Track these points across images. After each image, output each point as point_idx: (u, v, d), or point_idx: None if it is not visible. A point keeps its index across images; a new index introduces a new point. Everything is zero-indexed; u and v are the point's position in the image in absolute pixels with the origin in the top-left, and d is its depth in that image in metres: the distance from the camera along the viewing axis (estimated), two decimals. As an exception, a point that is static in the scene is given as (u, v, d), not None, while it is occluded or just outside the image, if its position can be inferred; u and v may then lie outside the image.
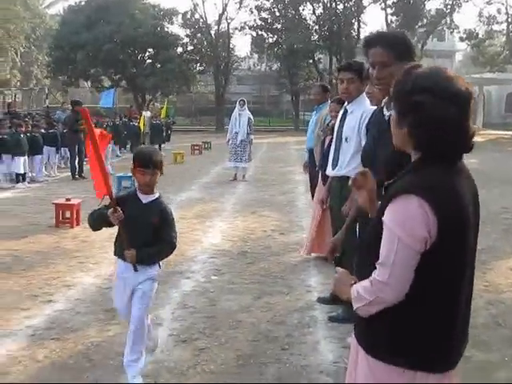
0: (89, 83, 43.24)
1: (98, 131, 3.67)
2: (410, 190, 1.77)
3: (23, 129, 13.03)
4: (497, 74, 40.58)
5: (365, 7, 42.15)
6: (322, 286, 5.70)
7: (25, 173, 12.81)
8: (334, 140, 4.83)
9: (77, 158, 13.96)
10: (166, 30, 40.45)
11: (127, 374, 3.60)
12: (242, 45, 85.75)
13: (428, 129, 1.78)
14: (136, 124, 20.83)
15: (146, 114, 21.46)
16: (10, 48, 44.25)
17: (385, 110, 3.21)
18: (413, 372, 1.83)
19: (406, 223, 1.76)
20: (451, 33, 45.76)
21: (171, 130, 25.38)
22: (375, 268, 1.83)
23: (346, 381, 2.14)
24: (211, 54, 41.76)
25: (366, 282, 1.86)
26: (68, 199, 8.68)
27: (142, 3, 40.39)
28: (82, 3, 39.81)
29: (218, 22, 42.74)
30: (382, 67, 3.01)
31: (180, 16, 42.36)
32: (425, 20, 41.90)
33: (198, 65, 43.24)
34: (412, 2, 40.34)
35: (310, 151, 7.52)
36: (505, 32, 41.64)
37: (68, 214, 8.48)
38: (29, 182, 13.01)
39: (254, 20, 42.80)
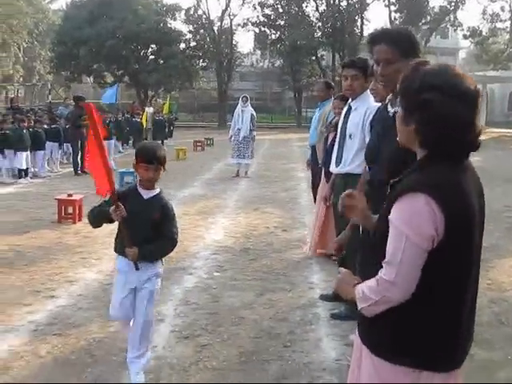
0: (91, 79, 43.24)
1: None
2: (417, 188, 1.76)
3: (26, 124, 13.04)
4: (500, 71, 40.45)
5: (368, 4, 42.02)
6: (325, 283, 5.69)
7: (27, 168, 12.82)
8: (337, 137, 4.81)
9: (79, 154, 13.94)
10: (168, 25, 40.42)
11: (130, 370, 3.60)
12: (244, 41, 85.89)
13: (436, 127, 1.76)
14: (138, 120, 20.80)
15: (149, 109, 21.40)
16: (13, 43, 44.23)
17: (389, 106, 3.20)
18: (418, 371, 1.82)
19: (413, 221, 1.74)
20: (455, 30, 45.56)
21: (174, 126, 25.35)
22: (381, 267, 1.82)
23: (349, 379, 2.13)
24: (214, 51, 41.68)
25: (371, 282, 1.84)
26: (70, 195, 8.68)
27: (145, -1, 40.36)
28: (85, -1, 39.80)
29: (221, 18, 42.67)
30: (387, 64, 3.00)
31: (183, 12, 42.29)
32: (428, 17, 41.74)
33: (201, 61, 43.16)
34: (416, -2, 40.25)
35: (313, 148, 7.51)
36: (508, 30, 41.52)
37: (70, 210, 8.48)
38: (31, 178, 13.02)
39: (257, 16, 42.73)
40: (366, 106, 4.50)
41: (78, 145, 13.90)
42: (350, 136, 4.57)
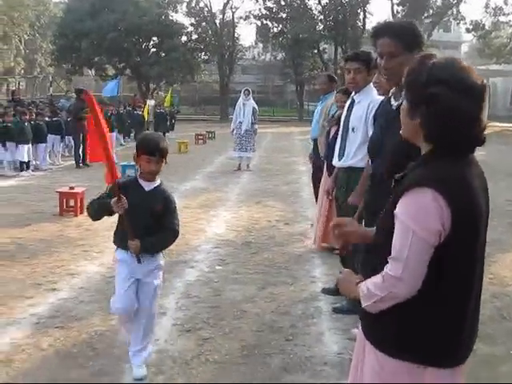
0: (93, 71, 43.10)
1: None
2: (423, 182, 1.74)
3: (27, 117, 13.02)
4: (503, 65, 40.37)
5: (371, -3, 41.90)
6: (327, 276, 5.68)
7: (29, 161, 12.82)
8: (340, 130, 4.79)
9: (81, 147, 13.94)
10: (170, 18, 40.23)
11: (132, 363, 3.60)
12: (246, 34, 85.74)
13: (442, 121, 1.75)
14: (140, 113, 20.76)
15: (150, 102, 21.38)
16: (14, 36, 44.20)
17: (392, 100, 3.19)
18: (423, 367, 1.81)
19: (419, 216, 1.73)
20: (457, 24, 45.44)
21: (175, 119, 25.32)
22: (385, 263, 1.80)
23: (351, 373, 2.12)
24: (216, 43, 41.57)
25: (376, 278, 1.83)
26: (72, 187, 8.68)
27: (146, -9, 40.20)
28: (87, -9, 39.64)
29: (223, 11, 42.54)
30: (390, 57, 3.00)
31: (184, 4, 42.17)
32: (431, 10, 41.60)
33: (203, 54, 43.03)
34: (418, -8, 40.09)
35: (315, 141, 7.48)
36: (511, 23, 41.36)
37: (72, 203, 8.48)
38: (33, 170, 13.02)
39: (259, 9, 42.56)
40: (369, 100, 4.48)
41: (80, 137, 13.89)
42: (353, 129, 4.55)
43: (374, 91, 4.54)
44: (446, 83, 1.74)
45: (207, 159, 16.15)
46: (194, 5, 42.51)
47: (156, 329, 3.96)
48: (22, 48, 47.00)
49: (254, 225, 7.99)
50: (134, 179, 3.50)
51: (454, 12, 41.84)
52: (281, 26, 42.55)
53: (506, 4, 40.62)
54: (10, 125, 12.55)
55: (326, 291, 5.20)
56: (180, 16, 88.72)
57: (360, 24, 41.59)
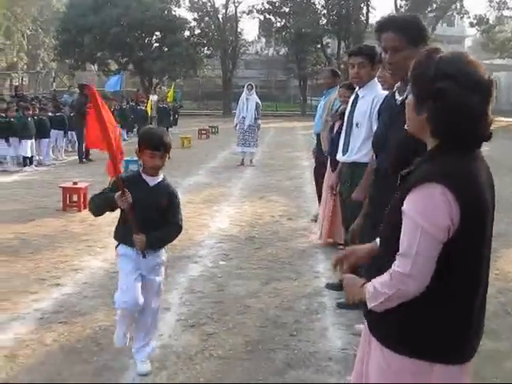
0: (96, 66, 43.06)
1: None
2: (431, 178, 1.73)
3: (30, 112, 13.02)
4: (507, 60, 40.16)
5: (374, -9, 41.76)
6: (330, 272, 5.65)
7: (32, 156, 12.83)
8: (344, 125, 4.77)
9: (84, 142, 13.93)
10: (173, 13, 40.17)
11: (136, 358, 3.60)
12: (249, 29, 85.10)
13: (449, 116, 1.73)
14: (143, 108, 20.77)
15: (153, 97, 21.34)
16: (17, 31, 44.12)
17: (397, 94, 3.17)
18: (430, 364, 1.79)
19: (428, 212, 1.71)
20: (461, 18, 45.25)
21: (178, 114, 25.29)
22: (391, 259, 1.79)
23: (356, 369, 2.11)
24: (218, 38, 41.50)
25: (382, 277, 1.81)
26: (75, 183, 8.69)
27: (149, -14, 40.10)
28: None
29: (226, 6, 42.47)
30: (394, 52, 2.98)
31: (187, -1, 42.11)
32: (434, 5, 41.42)
33: (206, 49, 42.96)
34: (422, -14, 39.90)
35: (318, 136, 7.46)
36: (515, 18, 41.21)
37: (75, 198, 8.48)
38: (36, 166, 13.02)
39: (262, 3, 42.44)
40: (373, 94, 4.45)
41: (83, 133, 13.86)
42: (357, 124, 4.53)
43: (379, 86, 4.52)
44: (453, 78, 1.72)
45: (210, 154, 16.14)
46: (196, -1, 42.47)
47: (160, 324, 3.96)
48: (24, 43, 46.91)
49: (258, 220, 7.98)
50: (137, 174, 3.47)
51: (458, 6, 41.65)
52: (284, 20, 42.44)
53: (510, -2, 40.50)
54: (13, 120, 12.55)
55: (329, 286, 5.19)
56: (183, 11, 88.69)
57: (363, 18, 41.48)
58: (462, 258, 1.76)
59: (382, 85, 4.44)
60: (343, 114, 5.07)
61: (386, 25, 3.05)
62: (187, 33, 41.39)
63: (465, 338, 1.83)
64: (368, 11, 41.63)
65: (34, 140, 12.85)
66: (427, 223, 1.71)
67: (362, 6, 41.42)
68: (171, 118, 22.48)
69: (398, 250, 1.78)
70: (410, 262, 1.73)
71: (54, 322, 4.34)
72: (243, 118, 13.31)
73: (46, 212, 8.22)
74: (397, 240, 1.78)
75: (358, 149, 4.51)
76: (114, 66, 40.63)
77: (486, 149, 1.84)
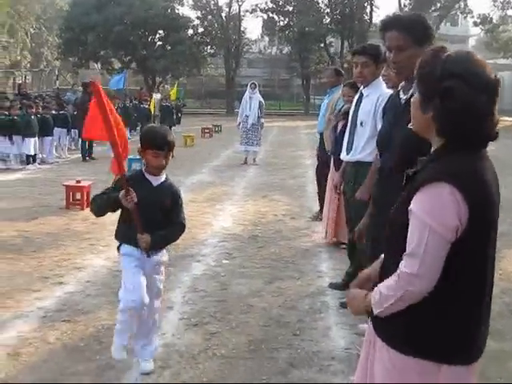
0: (99, 65, 43.08)
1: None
2: (439, 177, 1.71)
3: (33, 110, 13.03)
4: (510, 59, 40.04)
5: (378, -10, 41.70)
6: (334, 271, 5.66)
7: (35, 154, 12.84)
8: (348, 124, 4.76)
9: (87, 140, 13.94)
10: (176, 11, 40.16)
11: (139, 357, 3.59)
12: (253, 27, 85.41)
13: (455, 115, 1.72)
14: (146, 106, 20.77)
15: (157, 96, 21.35)
16: (21, 29, 44.17)
17: (401, 93, 3.16)
18: (437, 365, 1.78)
19: (436, 212, 1.70)
20: (465, 17, 45.15)
21: (182, 112, 25.29)
22: (396, 259, 1.77)
23: (359, 369, 2.10)
24: (222, 37, 41.48)
25: (388, 281, 1.79)
26: (78, 181, 8.69)
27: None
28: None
29: (229, 4, 42.47)
30: (399, 51, 2.97)
31: (191, -2, 42.07)
32: (438, 4, 41.32)
33: (209, 47, 42.93)
34: (425, -15, 39.81)
35: (321, 135, 7.44)
36: (520, 17, 41.11)
37: (78, 196, 8.49)
38: (39, 164, 13.04)
39: (266, 2, 42.42)
40: (378, 93, 4.43)
41: (86, 131, 13.85)
42: (362, 123, 4.51)
43: (383, 85, 4.49)
44: (460, 77, 1.71)
45: (213, 153, 16.13)
46: (200, -2, 42.43)
47: (163, 323, 3.96)
48: (28, 41, 46.97)
49: (261, 219, 7.97)
50: (140, 173, 3.43)
51: (462, 5, 41.59)
52: (287, 19, 42.41)
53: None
54: (16, 118, 12.56)
55: (333, 286, 5.18)
56: (186, 9, 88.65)
57: (367, 17, 41.42)
58: (469, 258, 1.75)
59: (387, 83, 4.42)
60: (347, 113, 5.06)
61: (390, 24, 3.04)
62: (190, 31, 41.35)
63: (471, 339, 1.82)
64: (372, 10, 41.61)
65: (37, 138, 12.86)
66: (435, 223, 1.69)
67: (365, 4, 41.36)
68: (174, 117, 22.46)
69: (403, 251, 1.76)
70: (418, 261, 1.71)
71: (56, 320, 4.34)
72: (246, 116, 13.30)
73: (49, 210, 8.22)
74: (403, 240, 1.76)
75: (362, 148, 4.48)
76: (117, 65, 40.64)
77: (492, 149, 1.82)
